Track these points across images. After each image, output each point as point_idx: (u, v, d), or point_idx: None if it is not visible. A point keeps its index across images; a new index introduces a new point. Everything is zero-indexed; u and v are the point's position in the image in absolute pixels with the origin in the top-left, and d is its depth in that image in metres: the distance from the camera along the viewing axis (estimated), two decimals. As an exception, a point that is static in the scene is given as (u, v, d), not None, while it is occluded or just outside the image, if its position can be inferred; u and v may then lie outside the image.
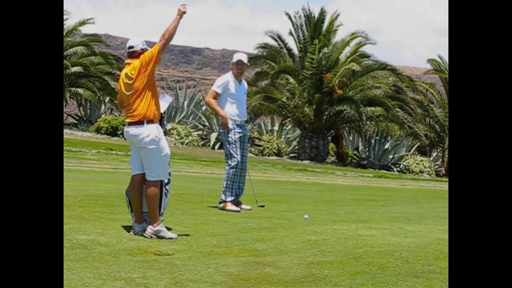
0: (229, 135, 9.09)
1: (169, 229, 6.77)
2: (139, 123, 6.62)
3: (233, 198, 9.10)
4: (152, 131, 6.61)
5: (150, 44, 6.73)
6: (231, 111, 9.10)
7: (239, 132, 9.11)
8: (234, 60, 9.21)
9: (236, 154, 9.06)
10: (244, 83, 9.41)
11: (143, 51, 6.72)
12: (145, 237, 6.53)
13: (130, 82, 6.63)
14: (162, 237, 6.52)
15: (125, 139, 7.17)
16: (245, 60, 9.26)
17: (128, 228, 6.80)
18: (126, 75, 6.68)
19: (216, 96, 9.13)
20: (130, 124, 6.71)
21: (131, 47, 6.76)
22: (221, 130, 9.20)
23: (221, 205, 9.05)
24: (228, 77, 9.17)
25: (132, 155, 6.89)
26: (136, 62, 6.64)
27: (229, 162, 9.11)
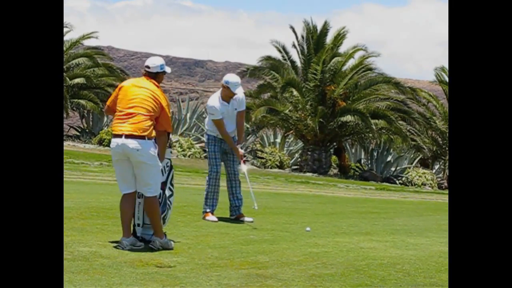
0: (209, 146, 9.26)
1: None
2: (141, 137, 6.44)
3: (213, 208, 9.16)
4: (153, 147, 6.55)
5: (148, 55, 6.70)
6: (215, 130, 9.07)
7: (220, 145, 9.12)
8: (234, 90, 8.90)
9: (213, 165, 9.17)
10: (236, 100, 9.09)
11: (158, 74, 6.67)
12: (151, 248, 6.52)
13: (153, 100, 6.51)
14: (168, 248, 6.54)
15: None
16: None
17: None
18: (153, 93, 6.53)
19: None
20: (130, 136, 6.45)
21: (148, 66, 6.68)
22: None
23: (203, 215, 9.10)
24: (216, 101, 8.98)
25: (122, 172, 6.72)
26: (161, 97, 6.59)
27: (208, 172, 9.30)
